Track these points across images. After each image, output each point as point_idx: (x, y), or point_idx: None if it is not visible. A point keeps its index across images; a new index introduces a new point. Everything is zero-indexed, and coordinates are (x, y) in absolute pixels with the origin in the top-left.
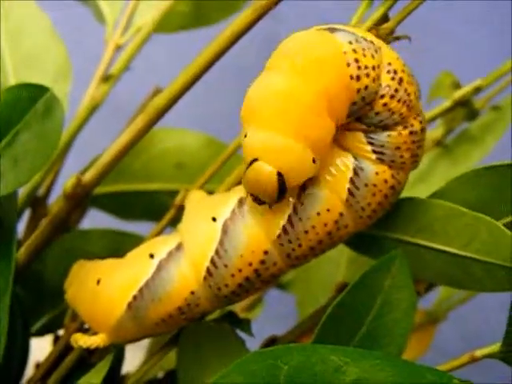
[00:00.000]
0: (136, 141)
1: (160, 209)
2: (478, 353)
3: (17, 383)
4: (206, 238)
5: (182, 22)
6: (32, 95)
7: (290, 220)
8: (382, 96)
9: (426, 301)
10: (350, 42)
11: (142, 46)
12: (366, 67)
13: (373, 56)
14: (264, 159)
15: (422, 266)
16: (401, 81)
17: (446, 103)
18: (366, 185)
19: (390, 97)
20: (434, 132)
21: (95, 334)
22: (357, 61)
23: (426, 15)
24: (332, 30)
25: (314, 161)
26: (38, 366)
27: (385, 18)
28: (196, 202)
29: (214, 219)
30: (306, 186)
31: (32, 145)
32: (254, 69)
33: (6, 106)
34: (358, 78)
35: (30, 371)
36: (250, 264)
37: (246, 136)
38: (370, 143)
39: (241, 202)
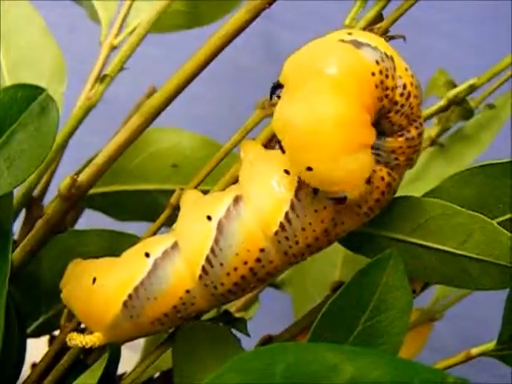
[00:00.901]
0: (131, 141)
1: (155, 209)
2: (474, 351)
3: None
4: (201, 236)
5: (177, 22)
6: (27, 95)
7: (287, 217)
8: (389, 111)
9: (421, 299)
10: (377, 62)
11: (136, 46)
12: (387, 88)
13: (393, 77)
14: (361, 181)
15: (418, 264)
16: (408, 96)
17: (441, 102)
18: None
19: (395, 112)
20: (429, 131)
21: (91, 333)
22: (382, 82)
23: (420, 14)
24: (356, 45)
25: None
26: (34, 366)
27: (379, 18)
28: (191, 202)
29: (209, 218)
30: (304, 184)
31: (27, 145)
32: (249, 68)
33: (1, 107)
34: (381, 99)
35: (26, 371)
36: (246, 263)
37: (310, 169)
38: None
39: (236, 201)
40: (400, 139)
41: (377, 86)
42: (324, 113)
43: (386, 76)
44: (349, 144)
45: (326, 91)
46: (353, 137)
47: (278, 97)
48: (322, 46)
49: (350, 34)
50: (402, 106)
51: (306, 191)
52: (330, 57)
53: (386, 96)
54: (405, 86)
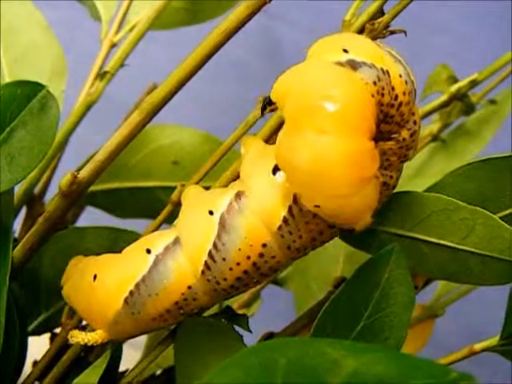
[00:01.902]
0: (131, 137)
1: (156, 206)
2: (477, 346)
3: (14, 381)
4: (203, 231)
5: (177, 19)
6: (27, 92)
7: (290, 211)
8: (381, 122)
9: (424, 295)
10: (375, 83)
11: (137, 43)
12: (382, 105)
13: (389, 93)
14: (355, 223)
15: (420, 259)
16: (399, 105)
17: (443, 97)
18: None
19: (385, 122)
20: (431, 126)
21: (93, 331)
22: (379, 101)
23: (421, 9)
24: (353, 67)
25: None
26: (35, 364)
27: (380, 12)
28: (193, 197)
29: (211, 213)
30: None
31: (28, 142)
32: (249, 64)
33: (1, 104)
34: (377, 116)
35: (27, 369)
36: (249, 257)
37: (318, 206)
38: None
39: (238, 196)
40: (389, 142)
41: (376, 105)
42: (329, 156)
43: (382, 94)
44: (355, 183)
45: (329, 131)
46: (359, 174)
47: (271, 110)
48: (319, 73)
49: (345, 50)
50: (392, 116)
51: None
52: (330, 89)
53: (381, 111)
54: (396, 97)
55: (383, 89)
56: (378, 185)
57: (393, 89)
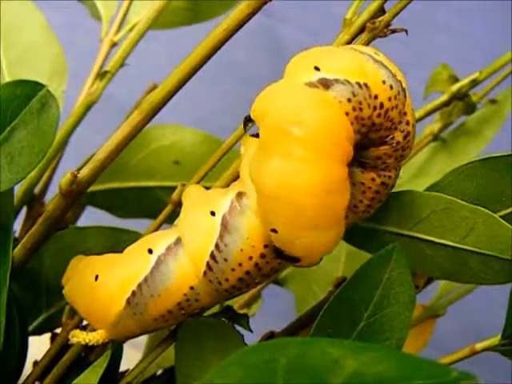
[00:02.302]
0: (131, 137)
1: (157, 206)
2: (478, 346)
3: (15, 381)
4: (205, 232)
5: (177, 19)
6: (27, 92)
7: None
8: (368, 132)
9: (425, 295)
10: (349, 100)
11: (137, 43)
12: (363, 119)
13: (369, 105)
14: (303, 258)
15: (420, 259)
16: (386, 113)
17: (444, 97)
18: (354, 184)
19: (374, 131)
20: (432, 126)
21: (93, 331)
22: (357, 117)
23: (422, 8)
24: (325, 86)
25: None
26: (35, 364)
27: (381, 11)
28: (194, 197)
29: (212, 213)
30: None
31: (28, 141)
32: (249, 64)
33: (1, 103)
34: (358, 131)
35: (27, 369)
36: (251, 258)
37: (275, 231)
38: None
39: (239, 196)
40: (383, 147)
41: (352, 123)
42: (293, 182)
43: (361, 109)
44: (317, 219)
45: (295, 156)
46: (323, 211)
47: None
48: (289, 95)
49: (316, 68)
50: (381, 124)
51: None
52: (298, 113)
53: (364, 125)
54: (382, 105)
55: (360, 103)
56: (343, 226)
57: (376, 97)
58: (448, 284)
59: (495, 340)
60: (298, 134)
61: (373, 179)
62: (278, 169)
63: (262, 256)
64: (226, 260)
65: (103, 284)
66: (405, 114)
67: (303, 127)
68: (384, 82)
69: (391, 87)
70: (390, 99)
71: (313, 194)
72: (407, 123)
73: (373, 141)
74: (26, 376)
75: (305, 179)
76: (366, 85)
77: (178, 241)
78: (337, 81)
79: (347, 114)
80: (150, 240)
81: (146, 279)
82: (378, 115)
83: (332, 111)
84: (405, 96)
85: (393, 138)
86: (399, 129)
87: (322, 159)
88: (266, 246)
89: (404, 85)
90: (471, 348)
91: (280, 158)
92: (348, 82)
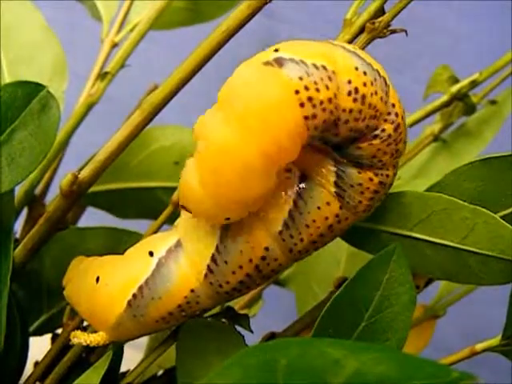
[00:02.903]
0: (132, 137)
1: (158, 207)
2: (478, 346)
3: (15, 382)
4: (205, 235)
5: (178, 19)
6: (28, 93)
7: (290, 215)
8: (347, 121)
9: (425, 296)
10: (301, 78)
11: (138, 43)
12: (322, 102)
13: (327, 87)
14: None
15: (420, 259)
16: (363, 98)
17: (444, 97)
18: (352, 186)
19: (355, 119)
20: (432, 127)
21: (94, 332)
22: (310, 99)
23: (422, 9)
24: (279, 64)
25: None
26: (36, 364)
27: (380, 11)
28: None
29: None
30: (304, 183)
31: (28, 142)
32: None
33: (2, 104)
34: (314, 116)
35: (28, 370)
36: (251, 260)
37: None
38: (343, 157)
39: None
40: (375, 142)
41: (303, 105)
42: (211, 136)
43: (317, 89)
44: (216, 183)
45: (226, 117)
46: (224, 179)
47: None
48: (243, 71)
49: (276, 50)
50: (360, 111)
51: (307, 189)
52: (243, 88)
53: (324, 110)
54: (356, 90)
55: (316, 83)
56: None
57: (349, 82)
58: (448, 284)
59: (495, 341)
60: (232, 93)
61: (370, 179)
62: (210, 127)
63: (263, 258)
64: (226, 262)
65: (104, 286)
66: (393, 105)
67: (238, 91)
68: (357, 69)
69: (365, 73)
70: (365, 84)
71: (227, 160)
72: (396, 115)
73: (361, 132)
74: (26, 376)
75: (224, 143)
76: (324, 67)
77: (178, 243)
78: (292, 60)
79: (297, 92)
80: (151, 242)
81: (147, 282)
82: (355, 100)
83: (277, 86)
84: (386, 85)
85: (384, 131)
86: (388, 120)
87: (249, 133)
88: (266, 249)
89: (382, 74)
90: (471, 348)
91: (216, 111)
92: (303, 62)
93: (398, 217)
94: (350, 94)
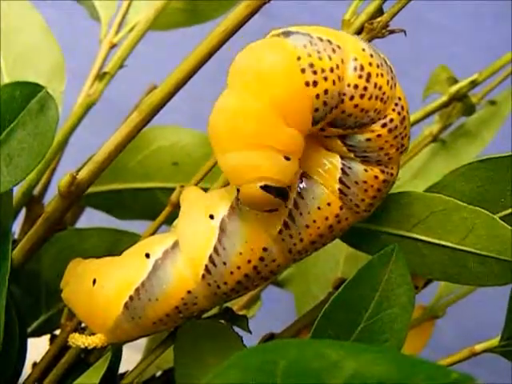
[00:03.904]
0: (130, 138)
1: (156, 207)
2: (478, 347)
3: (14, 383)
4: (203, 236)
5: (176, 20)
6: (27, 93)
7: (290, 215)
8: (352, 97)
9: (424, 297)
10: (305, 46)
11: (136, 44)
12: (323, 70)
13: (330, 57)
14: (241, 181)
15: (419, 260)
16: (369, 76)
17: (443, 98)
18: (357, 183)
19: (360, 96)
20: (431, 127)
21: (93, 334)
22: (311, 65)
23: (421, 9)
24: (286, 35)
25: (287, 158)
26: (34, 365)
27: (379, 12)
28: (192, 200)
29: (211, 217)
30: (305, 182)
31: (27, 143)
32: None
33: (0, 104)
34: (315, 83)
35: (27, 371)
36: (249, 261)
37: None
38: (351, 150)
39: (239, 199)
40: (383, 131)
41: (304, 71)
42: (224, 105)
43: (319, 58)
44: (239, 138)
45: (235, 86)
46: (245, 132)
47: None
48: (252, 44)
49: (287, 29)
50: (366, 88)
51: (308, 189)
52: (251, 51)
53: (326, 79)
54: (362, 67)
55: (319, 52)
56: (281, 159)
57: (355, 59)
58: (447, 285)
59: (495, 341)
60: (240, 66)
61: (376, 177)
62: (221, 97)
63: (261, 259)
64: (224, 263)
65: (101, 288)
66: (399, 98)
67: (246, 62)
68: (364, 50)
69: (371, 56)
70: (371, 64)
71: (241, 116)
72: (402, 108)
73: (368, 115)
74: (25, 377)
75: (235, 105)
76: (329, 41)
77: (175, 244)
78: (298, 32)
79: (299, 58)
80: (148, 244)
81: (143, 284)
82: (360, 76)
83: (279, 52)
84: (393, 72)
85: (392, 121)
86: (396, 110)
87: (255, 92)
88: (265, 250)
89: (390, 64)
90: (471, 349)
91: (227, 88)
92: (309, 34)
93: (397, 217)
94: (355, 69)
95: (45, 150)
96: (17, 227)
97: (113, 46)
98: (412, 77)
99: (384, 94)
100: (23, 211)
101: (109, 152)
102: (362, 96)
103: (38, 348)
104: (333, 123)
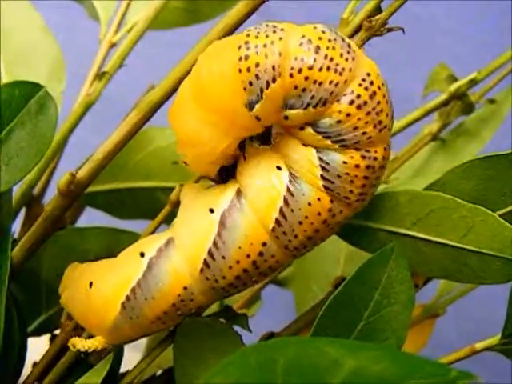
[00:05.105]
0: (130, 137)
1: (156, 207)
2: (478, 345)
3: (14, 382)
4: (203, 229)
5: (176, 19)
6: (26, 93)
7: (281, 212)
8: (300, 70)
9: (424, 295)
10: (248, 30)
11: (135, 43)
12: (257, 46)
13: (267, 35)
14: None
15: (419, 258)
16: (317, 48)
17: (442, 96)
18: (339, 176)
19: (309, 68)
20: (431, 126)
21: (92, 336)
22: (247, 42)
23: (420, 8)
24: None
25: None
26: (35, 365)
27: (377, 10)
28: (192, 195)
29: (211, 211)
30: (292, 179)
31: (26, 142)
32: None
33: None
34: (247, 57)
35: (27, 370)
36: (248, 256)
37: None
38: (326, 137)
39: (239, 193)
40: (351, 109)
41: (240, 47)
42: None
43: (256, 37)
44: (172, 124)
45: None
46: (177, 120)
47: None
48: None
49: None
50: (314, 60)
51: (296, 186)
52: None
53: (257, 53)
54: (310, 41)
55: (258, 33)
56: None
57: (303, 36)
58: (448, 283)
59: (495, 339)
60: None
61: (357, 165)
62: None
63: (260, 254)
64: (223, 257)
65: (97, 291)
66: (368, 74)
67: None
68: (315, 28)
69: (323, 32)
70: (320, 38)
71: (179, 105)
72: (371, 83)
73: (325, 88)
74: (25, 377)
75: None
76: (274, 26)
77: (169, 242)
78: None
79: (239, 39)
80: (142, 243)
81: (139, 283)
82: (308, 49)
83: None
84: (351, 48)
85: (359, 97)
86: (362, 85)
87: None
88: (264, 245)
89: (349, 41)
90: (471, 347)
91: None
92: (261, 24)
93: (397, 215)
94: (301, 44)
95: (44, 150)
96: (17, 227)
97: (112, 46)
98: (411, 75)
99: (337, 65)
100: (23, 211)
101: (108, 150)
102: (310, 67)
103: (38, 347)
104: (289, 104)
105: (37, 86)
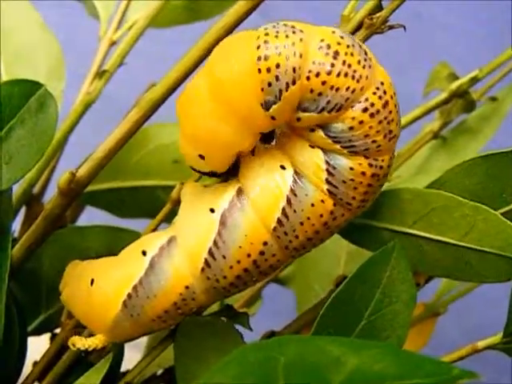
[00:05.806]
0: (130, 135)
1: (157, 205)
2: (480, 344)
3: (14, 382)
4: (203, 229)
5: (176, 17)
6: (26, 91)
7: (284, 212)
8: (318, 74)
9: (426, 294)
10: (266, 28)
11: (136, 42)
12: (277, 47)
13: (287, 36)
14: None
15: (421, 257)
16: (336, 54)
17: (443, 95)
18: (344, 181)
19: (327, 73)
20: (432, 124)
21: (92, 335)
22: (266, 42)
23: (421, 6)
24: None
25: (201, 157)
26: (35, 364)
27: (378, 7)
28: (193, 194)
29: (212, 210)
30: (297, 180)
31: (26, 141)
32: None
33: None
34: (267, 57)
35: (27, 369)
36: (249, 255)
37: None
38: (336, 141)
39: (239, 193)
40: (365, 117)
41: (259, 47)
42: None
43: (276, 36)
44: (181, 123)
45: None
46: (187, 119)
47: None
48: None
49: None
50: (333, 65)
51: (300, 186)
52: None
53: (279, 54)
54: (329, 46)
55: (278, 32)
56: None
57: (322, 40)
58: (449, 282)
59: (497, 338)
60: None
61: (363, 173)
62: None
63: (261, 253)
64: (224, 257)
65: (99, 288)
66: (381, 83)
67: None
68: (333, 32)
69: (342, 37)
70: (339, 44)
71: (190, 102)
72: (384, 92)
73: (341, 94)
74: (25, 376)
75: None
76: (293, 26)
77: (171, 240)
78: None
79: (258, 37)
80: (144, 242)
81: (140, 281)
82: (326, 54)
83: (243, 34)
84: (367, 55)
85: (373, 106)
86: (377, 94)
87: (210, 76)
88: (265, 244)
89: (364, 48)
90: (473, 346)
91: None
92: (278, 23)
93: (398, 214)
94: (320, 48)
95: (44, 148)
96: (17, 226)
97: (112, 44)
98: (412, 73)
99: (355, 72)
100: (23, 209)
101: (108, 149)
102: (328, 72)
103: (38, 347)
104: (303, 106)
105: (36, 84)
